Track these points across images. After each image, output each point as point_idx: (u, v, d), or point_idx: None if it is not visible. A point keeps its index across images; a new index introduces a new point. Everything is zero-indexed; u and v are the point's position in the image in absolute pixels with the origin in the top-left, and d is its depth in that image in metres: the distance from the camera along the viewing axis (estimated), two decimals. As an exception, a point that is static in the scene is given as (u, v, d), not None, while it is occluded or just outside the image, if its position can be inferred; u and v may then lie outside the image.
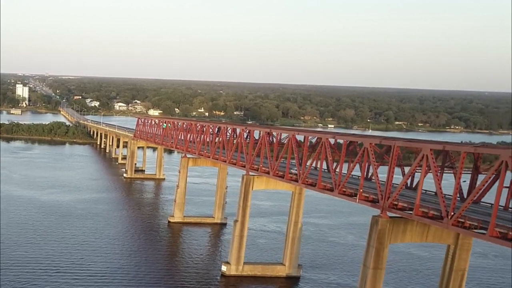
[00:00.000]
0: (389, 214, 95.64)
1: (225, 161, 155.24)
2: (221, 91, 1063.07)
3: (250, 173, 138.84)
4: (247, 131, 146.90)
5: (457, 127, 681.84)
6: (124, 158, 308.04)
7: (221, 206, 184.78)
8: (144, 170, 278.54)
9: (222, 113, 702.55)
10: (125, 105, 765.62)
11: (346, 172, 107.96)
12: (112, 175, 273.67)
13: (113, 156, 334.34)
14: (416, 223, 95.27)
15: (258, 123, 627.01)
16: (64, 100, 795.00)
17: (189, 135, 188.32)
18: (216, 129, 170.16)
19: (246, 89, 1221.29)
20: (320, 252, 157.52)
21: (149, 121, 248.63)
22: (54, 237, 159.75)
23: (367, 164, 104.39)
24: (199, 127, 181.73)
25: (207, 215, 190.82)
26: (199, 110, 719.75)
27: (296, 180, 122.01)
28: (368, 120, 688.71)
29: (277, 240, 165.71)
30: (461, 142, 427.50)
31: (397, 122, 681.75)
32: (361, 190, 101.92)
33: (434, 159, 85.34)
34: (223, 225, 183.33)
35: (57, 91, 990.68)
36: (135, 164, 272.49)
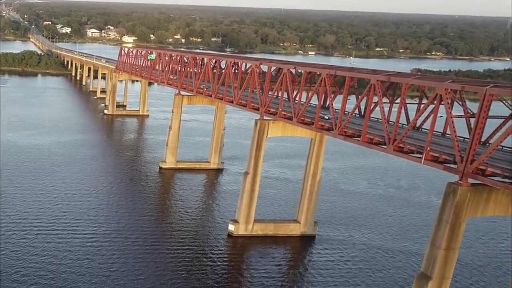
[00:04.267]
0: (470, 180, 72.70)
1: (232, 102, 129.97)
2: (193, 15, 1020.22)
3: (264, 117, 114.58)
4: (260, 65, 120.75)
5: (438, 54, 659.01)
6: (103, 91, 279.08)
7: (217, 149, 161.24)
8: (125, 106, 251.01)
9: (199, 40, 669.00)
10: (98, 31, 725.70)
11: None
12: (91, 112, 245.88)
13: (91, 89, 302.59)
14: (502, 192, 72.53)
15: (237, 51, 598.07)
16: (33, 26, 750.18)
17: (182, 69, 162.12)
18: (215, 61, 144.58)
19: (220, 13, 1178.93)
20: (334, 204, 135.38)
21: (133, 52, 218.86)
22: (35, 190, 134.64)
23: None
24: (196, 59, 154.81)
25: (202, 159, 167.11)
26: (175, 37, 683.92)
27: (329, 129, 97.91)
28: (349, 47, 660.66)
29: (287, 190, 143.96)
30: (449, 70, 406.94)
31: (378, 49, 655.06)
32: (428, 148, 78.25)
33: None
34: (219, 170, 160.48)
35: (25, 16, 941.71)
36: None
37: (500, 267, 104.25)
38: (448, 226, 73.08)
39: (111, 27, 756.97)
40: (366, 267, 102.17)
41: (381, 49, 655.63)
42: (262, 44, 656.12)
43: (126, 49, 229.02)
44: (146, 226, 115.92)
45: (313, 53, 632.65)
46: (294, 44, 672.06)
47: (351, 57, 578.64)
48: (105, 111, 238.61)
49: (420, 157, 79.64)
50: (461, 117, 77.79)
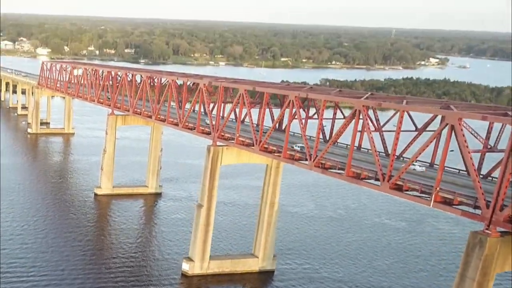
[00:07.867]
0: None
1: (176, 125, 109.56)
2: (103, 26, 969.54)
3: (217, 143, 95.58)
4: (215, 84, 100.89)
5: (337, 63, 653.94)
6: (24, 108, 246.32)
7: (155, 172, 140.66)
8: (49, 123, 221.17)
9: (113, 51, 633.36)
10: (11, 43, 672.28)
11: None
12: (13, 131, 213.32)
13: (10, 105, 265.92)
14: (528, 239, 57.11)
15: (151, 62, 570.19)
16: None
17: (115, 86, 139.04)
18: (155, 79, 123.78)
19: (128, 24, 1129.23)
20: (288, 232, 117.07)
21: (57, 67, 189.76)
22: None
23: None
24: (130, 76, 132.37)
25: (139, 183, 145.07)
26: (89, 48, 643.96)
27: (300, 159, 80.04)
28: (256, 57, 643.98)
29: (241, 217, 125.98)
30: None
31: (283, 59, 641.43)
32: (438, 188, 61.60)
33: None
34: (158, 195, 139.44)
35: None
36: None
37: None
38: (474, 284, 56.78)
39: (24, 39, 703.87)
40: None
41: (286, 59, 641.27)
42: (174, 55, 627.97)
43: (49, 64, 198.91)
44: (88, 267, 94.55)
45: (224, 63, 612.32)
46: (205, 54, 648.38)
47: (260, 68, 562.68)
48: (29, 130, 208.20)
49: (428, 199, 62.96)
50: (478, 152, 61.90)
